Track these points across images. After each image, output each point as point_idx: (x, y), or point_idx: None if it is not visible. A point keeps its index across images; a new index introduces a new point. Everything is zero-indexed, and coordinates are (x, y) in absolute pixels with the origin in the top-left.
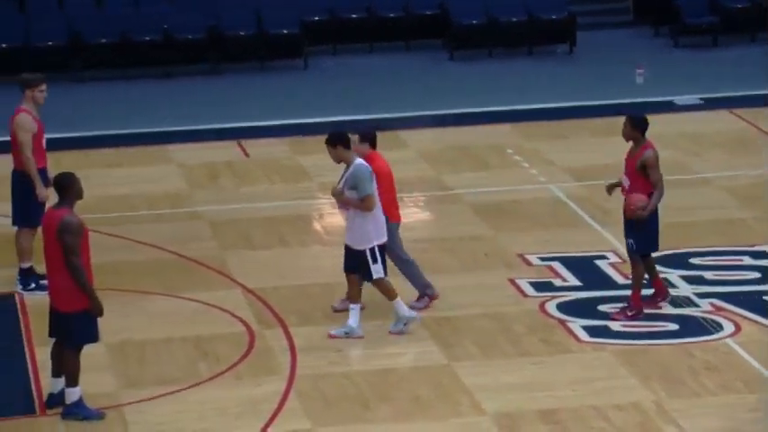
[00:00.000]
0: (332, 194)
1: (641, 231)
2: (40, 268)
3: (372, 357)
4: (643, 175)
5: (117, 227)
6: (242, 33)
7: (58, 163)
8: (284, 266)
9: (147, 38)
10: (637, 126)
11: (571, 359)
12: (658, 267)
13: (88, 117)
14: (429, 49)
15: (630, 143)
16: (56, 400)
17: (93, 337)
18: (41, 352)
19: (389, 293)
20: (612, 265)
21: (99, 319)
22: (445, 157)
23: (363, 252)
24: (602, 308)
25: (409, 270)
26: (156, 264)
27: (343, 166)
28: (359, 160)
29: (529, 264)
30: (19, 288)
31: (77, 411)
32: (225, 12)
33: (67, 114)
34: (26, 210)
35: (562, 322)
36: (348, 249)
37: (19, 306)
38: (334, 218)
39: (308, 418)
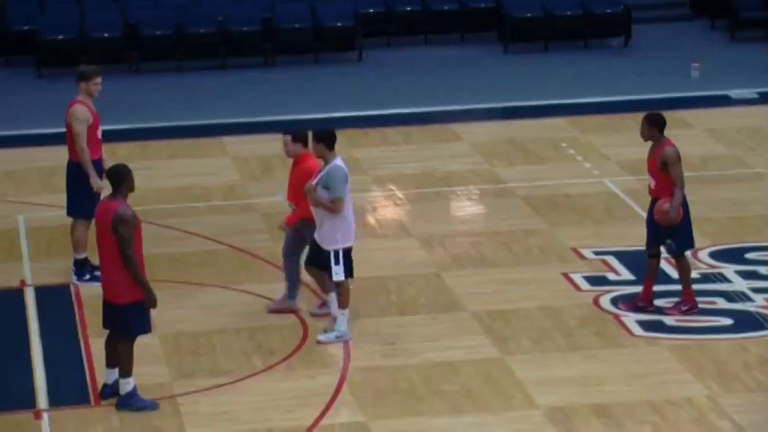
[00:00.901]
0: (305, 190)
1: (677, 231)
2: (95, 259)
3: (425, 350)
4: (666, 172)
5: (171, 218)
6: (297, 26)
7: (113, 154)
8: None
9: (202, 30)
10: (653, 124)
11: (625, 353)
12: (714, 262)
13: (143, 109)
14: (484, 42)
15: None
16: (110, 390)
17: (146, 328)
18: (96, 343)
19: (343, 300)
20: (666, 259)
21: (153, 311)
22: (499, 150)
23: (328, 253)
24: (656, 302)
25: (293, 271)
26: (210, 255)
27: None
28: (338, 161)
29: (583, 258)
30: (74, 279)
31: (131, 402)
32: (280, 4)
33: (123, 106)
34: (81, 200)
35: (616, 316)
36: (316, 246)
37: (74, 297)
38: (387, 211)
39: (360, 410)
